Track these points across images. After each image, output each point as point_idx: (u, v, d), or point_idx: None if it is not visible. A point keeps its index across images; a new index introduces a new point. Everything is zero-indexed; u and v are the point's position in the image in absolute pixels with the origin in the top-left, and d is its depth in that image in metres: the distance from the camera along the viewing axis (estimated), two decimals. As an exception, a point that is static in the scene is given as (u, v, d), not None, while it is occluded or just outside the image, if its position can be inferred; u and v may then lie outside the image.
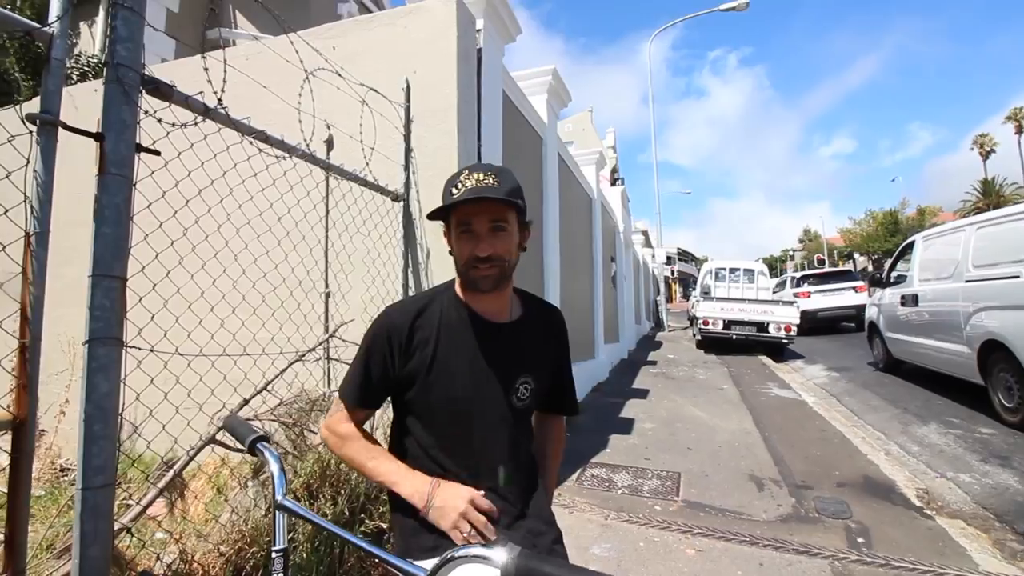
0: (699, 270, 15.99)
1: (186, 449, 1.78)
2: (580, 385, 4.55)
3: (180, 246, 1.83)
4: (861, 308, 11.35)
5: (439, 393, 1.12)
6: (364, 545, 0.90)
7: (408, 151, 3.08)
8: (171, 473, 1.71)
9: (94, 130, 1.51)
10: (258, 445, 1.01)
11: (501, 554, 0.66)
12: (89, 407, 1.46)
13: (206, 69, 1.98)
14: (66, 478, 3.49)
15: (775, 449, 4.36)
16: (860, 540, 2.81)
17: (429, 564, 0.77)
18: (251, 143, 2.08)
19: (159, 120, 1.73)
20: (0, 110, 3.96)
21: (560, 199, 5.69)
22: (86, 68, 7.20)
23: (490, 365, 1.14)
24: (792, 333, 10.01)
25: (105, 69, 1.61)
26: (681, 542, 2.80)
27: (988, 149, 42.84)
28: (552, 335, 1.27)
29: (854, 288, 13.44)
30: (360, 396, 1.14)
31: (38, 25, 1.31)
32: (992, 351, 4.87)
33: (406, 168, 3.07)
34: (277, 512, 0.89)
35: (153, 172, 1.70)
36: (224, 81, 2.00)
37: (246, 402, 2.09)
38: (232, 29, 9.70)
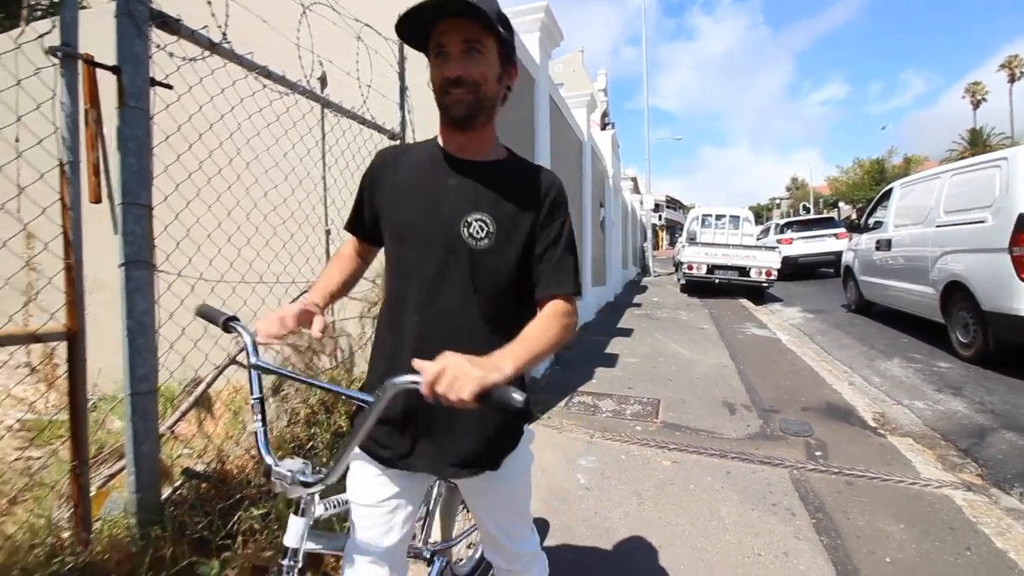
0: (686, 217, 16.15)
1: (215, 365, 1.95)
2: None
3: (196, 179, 1.93)
4: (840, 254, 11.66)
5: (391, 217, 1.15)
6: (326, 386, 1.15)
7: (403, 89, 3.12)
8: (203, 385, 1.89)
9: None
10: (231, 323, 1.16)
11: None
12: (131, 323, 1.62)
13: (209, 3, 2.01)
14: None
15: (748, 380, 4.69)
16: (818, 454, 3.14)
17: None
18: (256, 79, 2.14)
19: (171, 55, 1.79)
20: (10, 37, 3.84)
21: (551, 142, 5.73)
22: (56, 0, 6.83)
23: (445, 194, 1.10)
24: (772, 277, 10.34)
25: (115, 2, 1.66)
26: (658, 455, 3.11)
27: (979, 98, 42.63)
28: (537, 197, 1.14)
29: (835, 235, 13.71)
30: (350, 221, 1.28)
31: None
32: (954, 292, 5.18)
33: (401, 107, 3.12)
34: (252, 371, 1.08)
35: (168, 106, 1.78)
36: (227, 15, 2.03)
37: (262, 327, 2.26)
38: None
